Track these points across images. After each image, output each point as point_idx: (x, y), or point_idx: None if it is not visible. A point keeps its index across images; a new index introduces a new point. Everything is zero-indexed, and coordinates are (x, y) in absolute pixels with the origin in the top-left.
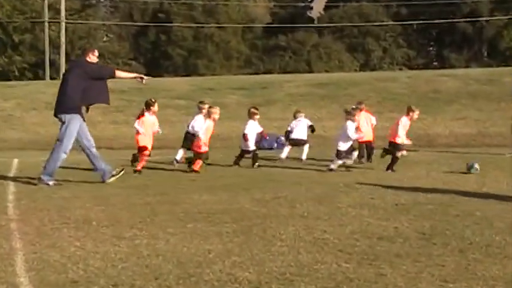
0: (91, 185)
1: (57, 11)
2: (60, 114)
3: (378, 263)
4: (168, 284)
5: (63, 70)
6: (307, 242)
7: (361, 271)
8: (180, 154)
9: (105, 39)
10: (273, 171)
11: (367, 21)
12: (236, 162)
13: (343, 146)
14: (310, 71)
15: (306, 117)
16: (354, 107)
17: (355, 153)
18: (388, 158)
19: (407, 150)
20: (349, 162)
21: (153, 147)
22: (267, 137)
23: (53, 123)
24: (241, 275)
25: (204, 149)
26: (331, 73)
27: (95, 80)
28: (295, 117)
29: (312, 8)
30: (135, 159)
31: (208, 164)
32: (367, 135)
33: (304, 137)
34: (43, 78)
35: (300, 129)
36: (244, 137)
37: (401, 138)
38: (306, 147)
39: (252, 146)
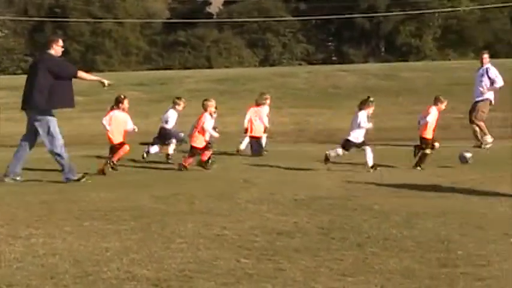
0: None
1: None
2: (33, 114)
3: (277, 258)
4: (64, 283)
5: None
6: (206, 238)
7: (260, 266)
8: (155, 149)
9: None
10: (173, 168)
11: (266, 17)
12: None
13: (353, 137)
14: (210, 67)
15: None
16: (370, 98)
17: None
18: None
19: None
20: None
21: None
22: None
23: None
24: (140, 273)
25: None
26: (231, 69)
27: (58, 80)
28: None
29: (211, 3)
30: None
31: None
32: (258, 130)
33: None
34: None
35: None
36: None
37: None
38: None
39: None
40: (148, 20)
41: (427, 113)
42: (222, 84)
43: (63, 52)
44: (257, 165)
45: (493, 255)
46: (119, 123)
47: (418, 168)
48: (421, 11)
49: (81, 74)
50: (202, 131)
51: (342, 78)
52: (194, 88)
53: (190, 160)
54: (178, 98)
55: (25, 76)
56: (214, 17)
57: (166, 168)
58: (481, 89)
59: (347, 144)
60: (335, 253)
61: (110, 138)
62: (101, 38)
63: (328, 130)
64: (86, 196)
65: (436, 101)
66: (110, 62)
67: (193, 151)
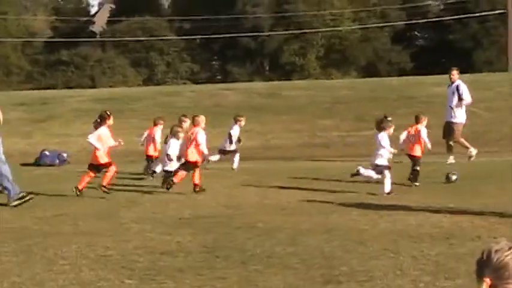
0: None
1: None
2: None
3: (161, 278)
4: None
5: None
6: (89, 259)
7: (143, 287)
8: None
9: None
10: (57, 188)
11: (150, 36)
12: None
13: (380, 160)
14: (94, 86)
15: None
16: (388, 118)
17: None
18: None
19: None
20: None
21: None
22: (48, 153)
23: None
24: None
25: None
26: (115, 88)
27: None
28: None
29: (94, 23)
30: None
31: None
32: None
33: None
34: None
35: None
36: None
37: (429, 144)
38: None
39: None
40: (29, 39)
41: (417, 133)
42: (106, 104)
43: None
44: (141, 185)
45: (375, 271)
46: (105, 142)
47: (416, 184)
48: (304, 31)
49: None
50: (197, 146)
51: (226, 97)
52: (77, 108)
53: (184, 174)
54: (184, 116)
55: None
56: (98, 36)
57: (46, 188)
58: (453, 108)
59: (377, 169)
60: (219, 272)
61: (96, 157)
62: None
63: (213, 149)
64: None
65: (419, 120)
66: None
67: (188, 166)
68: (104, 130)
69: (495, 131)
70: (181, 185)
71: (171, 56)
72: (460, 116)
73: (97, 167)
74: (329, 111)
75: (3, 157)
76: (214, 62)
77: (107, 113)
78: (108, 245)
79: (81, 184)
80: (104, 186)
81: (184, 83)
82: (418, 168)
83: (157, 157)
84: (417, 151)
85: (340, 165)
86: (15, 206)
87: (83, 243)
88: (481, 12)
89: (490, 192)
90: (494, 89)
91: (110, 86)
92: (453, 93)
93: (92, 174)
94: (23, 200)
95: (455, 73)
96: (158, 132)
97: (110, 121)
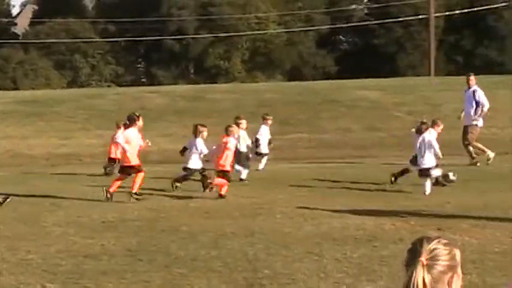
0: None
1: None
2: None
3: (84, 282)
4: None
5: None
6: (11, 263)
7: None
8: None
9: None
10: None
11: (74, 38)
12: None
13: (429, 162)
14: (16, 88)
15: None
16: (424, 120)
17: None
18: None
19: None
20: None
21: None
22: None
23: None
24: None
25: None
26: (38, 90)
27: None
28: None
29: (16, 24)
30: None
31: None
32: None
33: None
34: None
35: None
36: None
37: (439, 152)
38: None
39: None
40: None
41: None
42: (29, 106)
43: None
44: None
45: (298, 274)
46: (134, 143)
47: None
48: (229, 34)
49: None
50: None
51: (150, 100)
52: (0, 110)
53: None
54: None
55: None
56: (20, 37)
57: None
58: (474, 116)
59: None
60: (142, 275)
61: (127, 159)
62: None
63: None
64: None
65: (433, 124)
66: None
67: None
68: (132, 132)
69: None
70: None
71: (96, 59)
72: (476, 123)
73: (127, 170)
74: (254, 115)
75: None
76: (139, 65)
77: (135, 115)
78: (29, 249)
79: (112, 187)
80: (135, 193)
81: (109, 86)
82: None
83: (117, 159)
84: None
85: (265, 168)
86: None
87: (3, 247)
88: (404, 17)
89: (413, 195)
90: (417, 93)
91: (32, 88)
92: (470, 97)
93: (122, 177)
94: None
95: (472, 78)
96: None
97: (140, 122)
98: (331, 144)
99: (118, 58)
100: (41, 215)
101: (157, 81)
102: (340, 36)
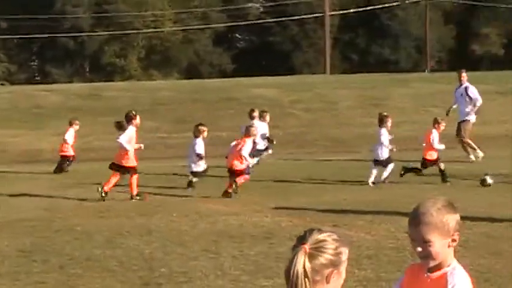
0: None
1: None
2: None
3: None
4: None
5: None
6: None
7: None
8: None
9: None
10: None
11: None
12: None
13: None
14: None
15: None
16: (385, 114)
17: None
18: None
19: None
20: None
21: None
22: None
23: None
24: None
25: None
26: None
27: None
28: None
29: None
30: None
31: None
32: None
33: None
34: None
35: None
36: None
37: (441, 147)
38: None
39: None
40: None
41: (430, 136)
42: None
43: None
44: None
45: (194, 272)
46: (133, 142)
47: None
48: (125, 31)
49: None
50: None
51: (45, 98)
52: None
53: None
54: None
55: None
56: None
57: None
58: (467, 110)
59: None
60: (36, 276)
61: (123, 158)
62: None
63: (32, 151)
64: None
65: (435, 123)
66: None
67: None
68: (133, 131)
69: (312, 132)
70: None
71: None
72: (469, 119)
73: (121, 169)
74: (150, 113)
75: None
76: (32, 63)
77: (132, 113)
78: None
79: (107, 185)
80: (136, 194)
81: (2, 84)
82: (442, 167)
83: (70, 156)
84: (431, 155)
85: (161, 166)
86: None
87: None
88: (300, 15)
89: (311, 191)
90: (313, 91)
91: None
92: (462, 94)
93: (117, 174)
94: None
95: (464, 75)
96: (71, 132)
97: (137, 121)
98: (228, 142)
99: (11, 56)
100: None
101: (51, 79)
102: (237, 34)
